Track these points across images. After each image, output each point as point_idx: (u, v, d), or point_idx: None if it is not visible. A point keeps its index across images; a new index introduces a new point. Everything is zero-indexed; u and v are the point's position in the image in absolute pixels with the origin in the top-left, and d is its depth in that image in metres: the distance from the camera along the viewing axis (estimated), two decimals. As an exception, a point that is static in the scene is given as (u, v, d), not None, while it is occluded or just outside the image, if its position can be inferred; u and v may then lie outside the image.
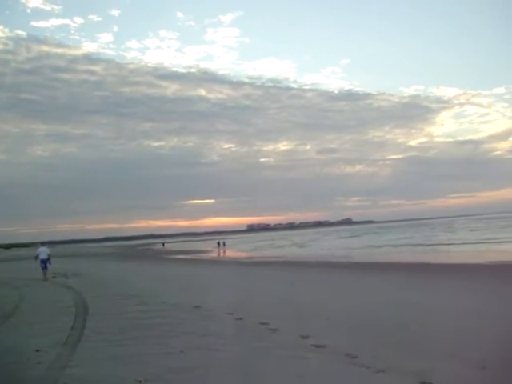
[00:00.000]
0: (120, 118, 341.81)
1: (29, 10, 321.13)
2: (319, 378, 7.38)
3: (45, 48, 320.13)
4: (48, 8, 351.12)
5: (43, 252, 29.77)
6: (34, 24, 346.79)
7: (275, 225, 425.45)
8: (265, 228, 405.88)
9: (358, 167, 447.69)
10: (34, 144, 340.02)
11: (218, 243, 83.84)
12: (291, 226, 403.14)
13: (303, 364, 8.11)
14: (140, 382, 7.16)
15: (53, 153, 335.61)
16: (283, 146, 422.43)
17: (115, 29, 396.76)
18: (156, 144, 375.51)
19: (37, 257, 29.76)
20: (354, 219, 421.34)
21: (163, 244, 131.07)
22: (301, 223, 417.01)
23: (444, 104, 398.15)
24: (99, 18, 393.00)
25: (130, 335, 10.63)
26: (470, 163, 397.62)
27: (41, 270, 29.11)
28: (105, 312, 14.22)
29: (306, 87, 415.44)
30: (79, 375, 7.60)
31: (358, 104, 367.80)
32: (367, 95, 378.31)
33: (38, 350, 9.37)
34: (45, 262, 29.18)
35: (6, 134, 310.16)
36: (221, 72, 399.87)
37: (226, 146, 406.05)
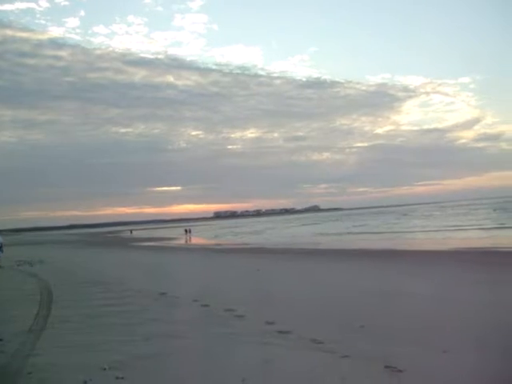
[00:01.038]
0: (87, 104, 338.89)
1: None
2: (284, 363, 7.44)
3: (9, 32, 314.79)
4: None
5: None
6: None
7: (242, 212, 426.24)
8: (232, 215, 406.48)
9: (326, 155, 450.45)
10: (0, 130, 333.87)
11: (186, 230, 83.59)
12: (258, 213, 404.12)
13: (268, 350, 8.17)
14: (105, 369, 7.15)
15: (19, 139, 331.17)
16: (251, 133, 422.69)
17: (82, 13, 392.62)
18: (123, 130, 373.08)
19: None
20: (322, 206, 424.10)
21: (131, 231, 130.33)
22: (267, 210, 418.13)
23: (410, 93, 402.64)
24: (66, 3, 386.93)
25: (95, 322, 10.60)
26: (435, 151, 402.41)
27: None
28: (70, 299, 14.13)
29: (274, 75, 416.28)
30: (43, 363, 7.56)
31: (326, 92, 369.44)
32: (335, 83, 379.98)
33: (1, 339, 9.28)
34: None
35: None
36: (189, 58, 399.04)
37: (194, 133, 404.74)
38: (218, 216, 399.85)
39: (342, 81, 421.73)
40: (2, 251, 30.14)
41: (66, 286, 17.34)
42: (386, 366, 7.03)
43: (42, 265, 28.82)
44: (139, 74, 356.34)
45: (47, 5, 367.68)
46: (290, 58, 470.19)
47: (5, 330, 10.03)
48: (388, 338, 8.90)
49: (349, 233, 60.93)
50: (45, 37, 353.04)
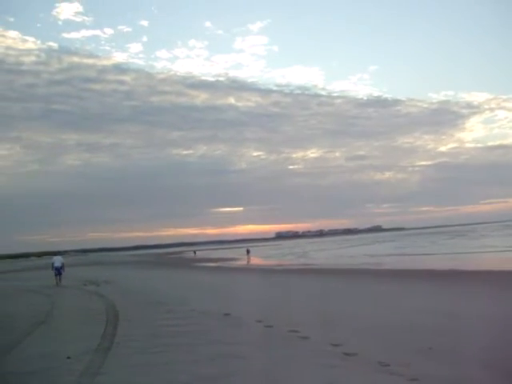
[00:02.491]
0: (149, 127, 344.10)
1: (60, 22, 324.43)
2: (350, 386, 7.31)
3: (75, 59, 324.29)
4: (79, 19, 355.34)
5: (57, 260, 33.41)
6: (65, 35, 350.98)
7: (304, 232, 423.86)
8: (294, 235, 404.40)
9: (388, 174, 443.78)
10: (66, 153, 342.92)
11: (247, 251, 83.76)
12: (320, 234, 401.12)
13: (334, 372, 8.02)
14: (170, 389, 7.16)
15: (84, 162, 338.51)
16: (312, 153, 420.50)
17: (144, 39, 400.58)
18: (185, 152, 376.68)
19: (52, 265, 33.38)
20: (384, 226, 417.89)
21: (195, 252, 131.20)
22: (330, 230, 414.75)
23: (474, 109, 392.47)
24: (129, 29, 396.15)
25: (160, 342, 10.65)
26: (500, 168, 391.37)
27: (54, 277, 32.47)
28: (135, 319, 14.29)
29: (335, 94, 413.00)
30: (110, 382, 7.64)
31: (387, 110, 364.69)
32: (396, 101, 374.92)
33: (69, 357, 9.45)
34: (58, 270, 32.58)
35: (39, 144, 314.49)
36: (249, 80, 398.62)
37: (255, 153, 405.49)
38: (280, 236, 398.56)
39: (404, 99, 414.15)
40: (64, 270, 33.05)
41: (132, 306, 17.58)
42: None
43: (108, 285, 29.32)
44: (201, 97, 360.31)
45: (111, 31, 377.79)
46: (350, 77, 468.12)
47: (73, 348, 10.20)
48: (457, 361, 8.65)
49: (434, 252, 59.38)
50: (109, 62, 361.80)
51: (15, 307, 20.02)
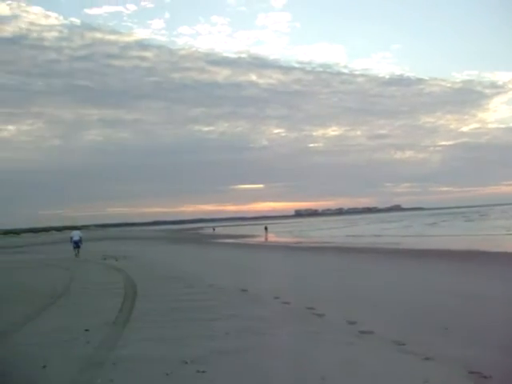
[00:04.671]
0: (171, 104, 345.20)
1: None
2: (366, 364, 7.30)
3: (98, 35, 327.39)
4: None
5: (76, 235, 36.53)
6: (88, 11, 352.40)
7: (323, 210, 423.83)
8: (313, 213, 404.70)
9: (409, 153, 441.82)
10: (87, 129, 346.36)
11: (266, 228, 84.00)
12: (340, 212, 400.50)
13: (350, 350, 8.05)
14: (186, 362, 7.23)
15: (105, 138, 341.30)
16: (333, 131, 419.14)
17: (167, 15, 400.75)
18: (206, 129, 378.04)
19: (71, 239, 36.37)
20: (404, 206, 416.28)
21: (214, 228, 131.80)
22: (349, 209, 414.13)
23: (498, 89, 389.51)
24: (151, 5, 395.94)
25: (177, 317, 10.73)
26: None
27: (72, 249, 35.46)
28: (153, 294, 14.40)
29: (357, 72, 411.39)
30: (127, 355, 7.72)
31: (410, 89, 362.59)
32: (419, 80, 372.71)
33: (87, 330, 9.59)
34: (77, 243, 35.51)
35: (61, 119, 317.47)
36: (271, 57, 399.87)
37: (276, 131, 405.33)
38: (299, 214, 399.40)
39: (427, 78, 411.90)
40: (81, 243, 36.05)
41: (150, 281, 17.72)
42: (471, 372, 6.79)
43: (127, 259, 29.57)
44: (222, 74, 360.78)
45: (134, 8, 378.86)
46: (372, 56, 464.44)
47: (91, 322, 10.33)
48: (473, 342, 8.61)
49: (454, 233, 59.17)
50: (131, 39, 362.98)
51: (34, 280, 20.25)
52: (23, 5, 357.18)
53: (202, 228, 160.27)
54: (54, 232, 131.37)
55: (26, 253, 45.09)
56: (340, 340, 8.71)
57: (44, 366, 7.32)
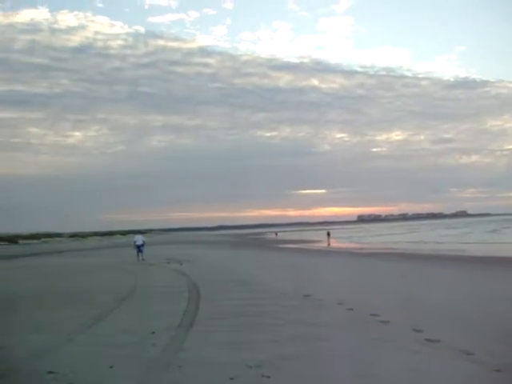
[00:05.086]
0: (233, 109, 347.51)
1: (146, 7, 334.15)
2: (432, 373, 7.17)
3: (161, 42, 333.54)
4: (165, 3, 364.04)
5: (139, 239, 36.34)
6: (151, 20, 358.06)
7: (386, 216, 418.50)
8: (376, 219, 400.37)
9: (475, 157, 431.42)
10: (151, 135, 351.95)
11: (328, 233, 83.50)
12: (403, 218, 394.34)
13: (415, 358, 7.91)
14: (251, 367, 7.24)
15: (169, 143, 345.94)
16: (396, 135, 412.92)
17: (229, 21, 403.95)
18: (268, 134, 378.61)
19: (134, 243, 36.31)
20: (470, 211, 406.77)
21: (276, 233, 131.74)
22: (413, 214, 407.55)
23: None
24: (213, 12, 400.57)
25: (241, 321, 10.79)
26: None
27: (135, 253, 35.36)
28: (216, 298, 14.51)
29: (421, 75, 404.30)
30: (192, 358, 7.81)
31: (475, 92, 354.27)
32: (484, 83, 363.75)
33: (153, 332, 9.73)
34: (139, 247, 35.44)
35: (125, 125, 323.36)
36: (333, 61, 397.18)
37: (338, 135, 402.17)
38: (362, 220, 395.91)
39: (493, 80, 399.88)
40: (143, 249, 35.75)
41: (213, 285, 17.83)
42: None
43: (190, 263, 29.83)
44: (284, 79, 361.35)
45: (196, 15, 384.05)
46: (436, 58, 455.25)
47: (156, 324, 10.48)
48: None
49: (491, 242, 57.72)
50: (194, 45, 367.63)
51: (101, 283, 20.69)
52: (89, 15, 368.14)
53: (264, 233, 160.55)
54: (118, 236, 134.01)
55: (92, 256, 46.08)
56: (405, 348, 8.58)
57: (111, 367, 7.47)
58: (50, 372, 7.26)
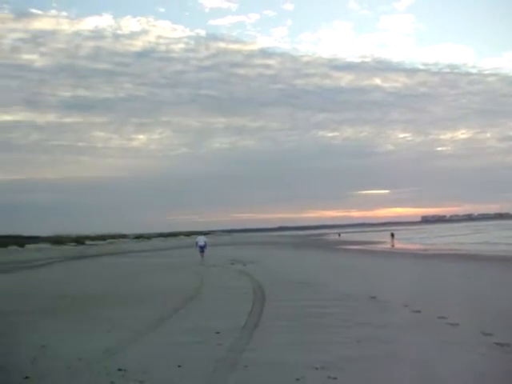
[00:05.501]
0: (294, 110, 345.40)
1: (207, 10, 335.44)
2: (502, 378, 7.02)
3: (222, 45, 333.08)
4: (225, 6, 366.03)
5: (201, 240, 37.15)
6: (212, 22, 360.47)
7: (451, 216, 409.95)
8: (440, 219, 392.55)
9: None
10: (213, 137, 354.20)
11: (392, 234, 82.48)
12: (469, 218, 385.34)
13: (484, 362, 7.75)
14: (317, 368, 7.24)
15: (231, 145, 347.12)
16: (462, 134, 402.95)
17: (289, 22, 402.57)
18: (330, 135, 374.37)
19: (196, 244, 37.07)
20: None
21: (339, 234, 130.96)
22: (479, 215, 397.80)
23: None
24: (274, 13, 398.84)
25: (306, 322, 10.80)
26: None
27: (199, 254, 35.84)
28: (281, 299, 14.54)
29: (486, 72, 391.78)
30: (258, 359, 7.86)
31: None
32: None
33: (218, 332, 9.83)
34: (202, 248, 36.11)
35: (188, 127, 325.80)
36: (395, 60, 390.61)
37: (402, 135, 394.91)
38: (426, 220, 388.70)
39: None
40: (206, 248, 36.41)
41: (277, 286, 17.87)
42: None
43: (253, 264, 29.95)
44: (346, 78, 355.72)
45: (257, 17, 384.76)
46: (503, 54, 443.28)
47: (221, 324, 10.59)
48: None
49: None
50: (255, 47, 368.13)
51: (166, 283, 21.01)
52: (151, 20, 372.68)
53: (326, 234, 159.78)
54: (182, 237, 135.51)
55: (156, 257, 46.79)
56: (473, 351, 8.41)
57: (179, 366, 7.59)
58: (120, 369, 7.44)
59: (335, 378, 6.79)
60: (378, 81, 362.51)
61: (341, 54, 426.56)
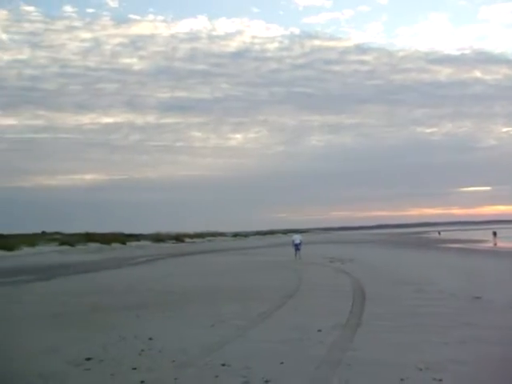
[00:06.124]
0: (391, 106, 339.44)
1: (300, 8, 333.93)
2: None
3: (317, 42, 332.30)
4: (319, 3, 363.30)
5: (297, 238, 37.76)
6: (306, 20, 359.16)
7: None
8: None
9: None
10: (309, 135, 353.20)
11: (494, 233, 79.67)
12: None
13: None
14: (421, 369, 7.14)
15: (327, 143, 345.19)
16: None
17: (384, 17, 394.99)
18: (429, 130, 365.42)
19: (292, 242, 37.80)
20: None
21: (439, 232, 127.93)
22: None
23: None
24: (368, 8, 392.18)
25: (409, 322, 10.66)
26: None
27: (294, 252, 36.38)
28: (381, 297, 14.40)
29: None
30: (360, 358, 7.84)
31: None
32: None
33: (319, 330, 9.86)
34: (297, 246, 36.61)
35: (283, 126, 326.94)
36: (497, 51, 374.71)
37: (505, 129, 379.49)
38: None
39: None
40: (300, 247, 36.75)
41: (377, 284, 17.69)
42: None
43: (352, 263, 29.71)
44: (444, 72, 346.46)
45: (351, 13, 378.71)
46: None
47: (322, 322, 10.62)
48: None
49: None
50: (350, 43, 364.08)
51: (265, 280, 21.17)
52: (246, 20, 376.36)
53: (426, 232, 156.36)
54: (279, 235, 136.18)
55: (253, 255, 47.17)
56: None
57: (282, 363, 7.67)
58: (223, 364, 7.61)
59: (440, 380, 6.68)
60: (478, 73, 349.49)
61: (438, 46, 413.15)
